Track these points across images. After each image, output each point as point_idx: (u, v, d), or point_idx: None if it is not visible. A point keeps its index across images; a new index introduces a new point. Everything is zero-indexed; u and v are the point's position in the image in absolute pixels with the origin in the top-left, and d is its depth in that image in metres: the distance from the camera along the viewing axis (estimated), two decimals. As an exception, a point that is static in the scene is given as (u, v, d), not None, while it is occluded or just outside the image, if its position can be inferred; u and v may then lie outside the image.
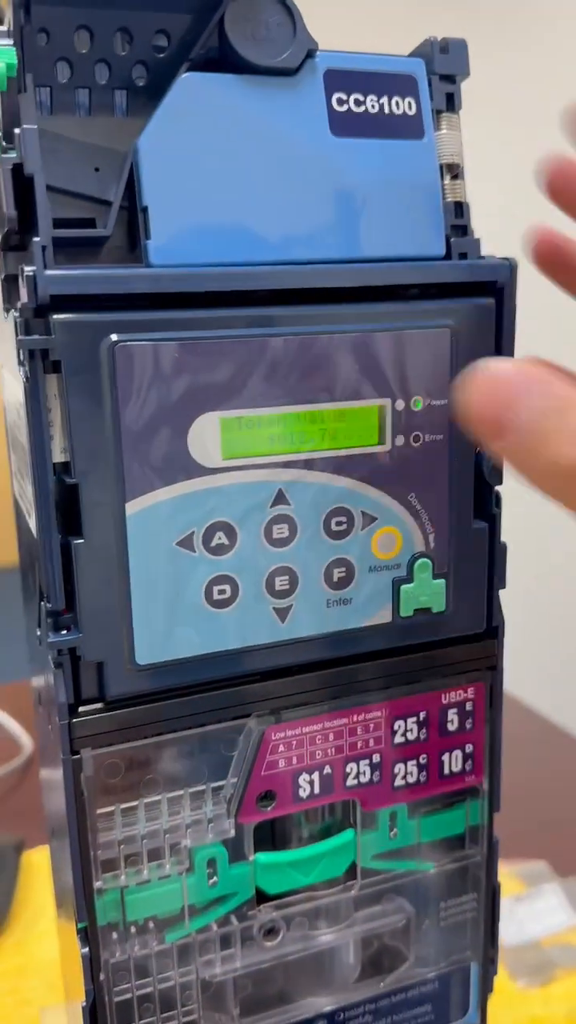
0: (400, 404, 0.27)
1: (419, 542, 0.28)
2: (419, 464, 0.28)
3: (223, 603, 0.26)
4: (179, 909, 0.28)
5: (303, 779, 0.29)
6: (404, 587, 0.28)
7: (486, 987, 0.34)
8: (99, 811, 0.27)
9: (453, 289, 0.27)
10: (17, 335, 0.23)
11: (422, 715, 0.30)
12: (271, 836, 0.30)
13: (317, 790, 0.29)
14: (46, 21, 0.24)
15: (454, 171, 0.28)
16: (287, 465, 0.26)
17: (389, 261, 0.27)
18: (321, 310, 0.26)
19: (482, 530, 0.29)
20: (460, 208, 0.28)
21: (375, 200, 0.27)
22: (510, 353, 0.28)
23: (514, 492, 0.28)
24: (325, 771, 0.29)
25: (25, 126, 0.23)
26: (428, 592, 0.28)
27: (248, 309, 0.25)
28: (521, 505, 0.38)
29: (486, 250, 0.28)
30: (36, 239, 0.23)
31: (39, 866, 0.58)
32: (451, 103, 0.28)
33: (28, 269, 0.23)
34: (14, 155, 0.23)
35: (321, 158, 0.26)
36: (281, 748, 0.28)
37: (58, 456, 0.25)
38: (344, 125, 0.26)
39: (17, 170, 0.23)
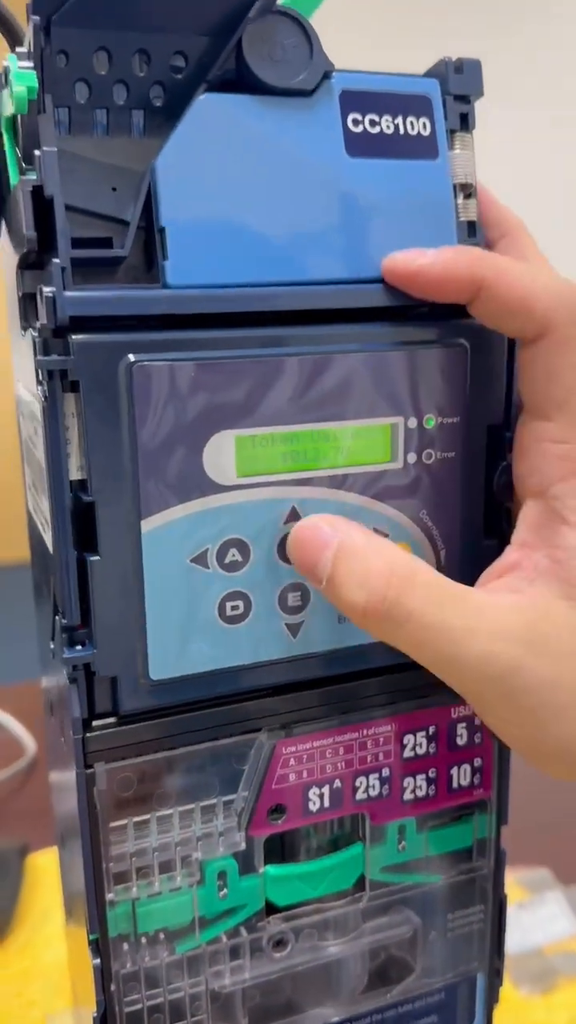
0: (413, 422, 0.27)
1: (430, 559, 0.28)
2: (431, 481, 0.28)
3: (236, 619, 0.27)
4: (189, 921, 0.29)
5: (313, 793, 0.29)
6: (415, 603, 0.28)
7: (492, 998, 0.34)
8: (112, 824, 0.27)
9: (466, 308, 0.27)
10: (36, 355, 0.24)
11: (431, 729, 0.30)
12: (280, 848, 0.30)
13: (327, 804, 0.29)
14: (66, 43, 0.24)
15: (467, 190, 0.28)
16: (300, 482, 0.27)
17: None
18: (336, 330, 0.26)
19: (492, 547, 0.29)
20: (472, 227, 0.28)
21: (390, 220, 0.27)
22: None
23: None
24: (335, 785, 0.29)
25: (45, 148, 0.23)
26: (439, 608, 0.29)
27: (264, 329, 0.25)
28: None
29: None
30: (56, 260, 0.23)
31: (43, 869, 0.58)
32: (465, 123, 0.28)
33: (47, 290, 0.23)
34: (34, 176, 0.23)
35: (336, 178, 0.26)
36: (292, 762, 0.28)
37: (75, 474, 0.25)
38: (359, 145, 0.26)
39: (37, 192, 0.23)
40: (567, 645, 0.24)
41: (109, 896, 0.27)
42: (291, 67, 0.26)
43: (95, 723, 0.26)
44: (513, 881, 0.57)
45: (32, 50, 0.24)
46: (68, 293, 0.23)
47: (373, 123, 0.27)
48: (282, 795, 0.29)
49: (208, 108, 0.25)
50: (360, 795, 0.30)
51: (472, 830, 0.32)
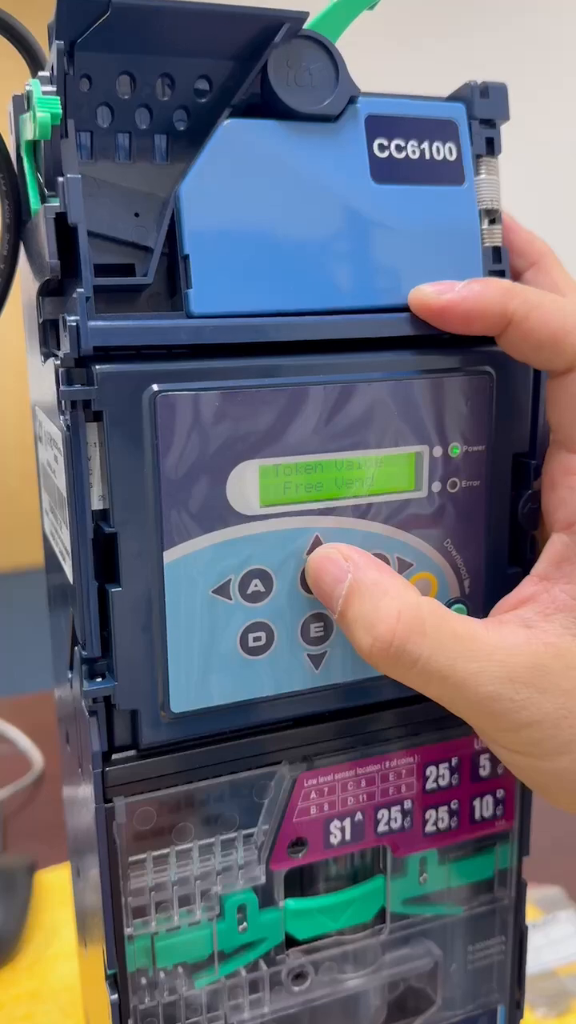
0: (438, 450, 0.27)
1: (454, 588, 0.28)
2: (455, 510, 0.28)
3: (258, 650, 0.26)
4: (208, 955, 0.28)
5: (334, 826, 0.28)
6: (439, 633, 0.28)
7: (512, 1030, 0.33)
8: (131, 858, 0.27)
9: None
10: (59, 386, 0.23)
11: (454, 761, 0.30)
12: (300, 880, 0.30)
13: (348, 837, 0.29)
14: (89, 67, 0.24)
15: (492, 216, 0.28)
16: (324, 512, 0.26)
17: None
18: (360, 358, 0.26)
19: (516, 575, 0.29)
20: (498, 253, 0.28)
21: (415, 247, 0.26)
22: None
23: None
24: (356, 818, 0.29)
25: (69, 175, 0.23)
26: (462, 638, 0.28)
27: (289, 358, 0.25)
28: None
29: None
30: (80, 290, 0.23)
31: (52, 887, 0.58)
32: (491, 147, 0.28)
33: (71, 319, 0.23)
34: (57, 203, 0.23)
35: (362, 205, 0.26)
36: (313, 795, 0.28)
37: (96, 504, 0.24)
38: (385, 171, 0.26)
39: (60, 219, 0.23)
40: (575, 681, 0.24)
41: (128, 931, 0.27)
42: (317, 92, 0.25)
43: (115, 756, 0.26)
44: (526, 900, 0.56)
45: (55, 74, 0.23)
46: (92, 323, 0.23)
47: (399, 148, 0.26)
48: (303, 828, 0.28)
49: (232, 133, 0.25)
50: (382, 828, 0.29)
51: (494, 861, 0.32)
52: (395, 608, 0.24)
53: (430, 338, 0.27)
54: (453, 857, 0.31)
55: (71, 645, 0.27)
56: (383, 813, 0.29)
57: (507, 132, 0.28)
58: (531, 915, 0.55)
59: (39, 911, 0.56)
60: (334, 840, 0.29)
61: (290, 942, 0.29)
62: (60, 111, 0.23)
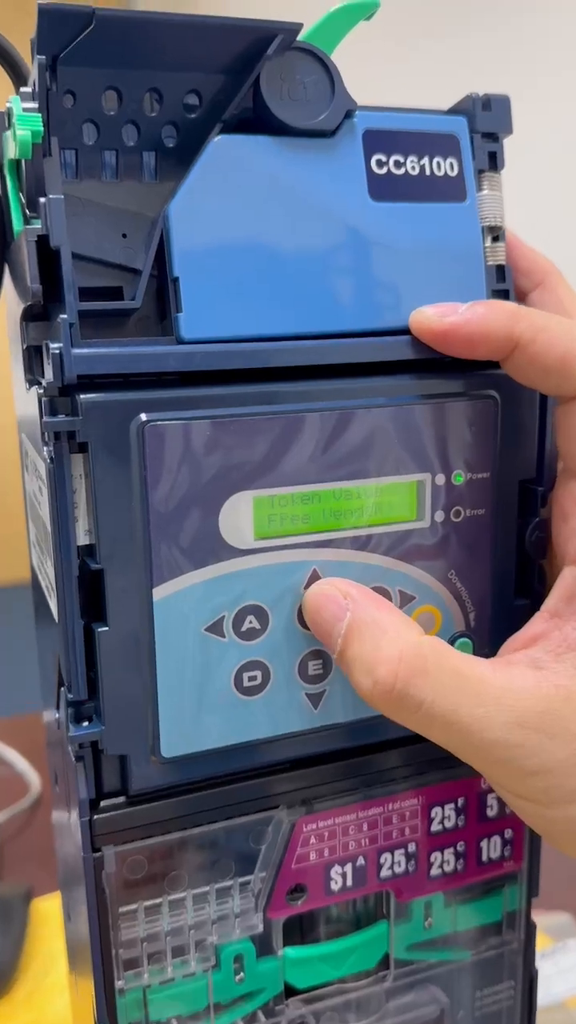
0: (440, 478, 0.26)
1: (459, 621, 0.27)
2: (460, 540, 0.26)
3: (254, 690, 0.25)
4: (204, 1007, 0.27)
5: (335, 872, 0.27)
6: (443, 669, 0.27)
7: (523, 1079, 0.32)
8: (121, 909, 0.25)
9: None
10: (42, 416, 0.22)
11: (460, 801, 0.28)
12: (299, 927, 0.29)
13: (350, 883, 0.27)
14: (73, 83, 0.23)
15: (495, 233, 0.27)
16: (322, 544, 0.25)
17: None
18: (359, 383, 0.25)
19: (524, 607, 0.28)
20: (502, 272, 0.27)
21: (416, 267, 0.25)
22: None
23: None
24: (358, 863, 0.27)
25: (51, 196, 0.22)
26: (468, 674, 0.27)
27: (284, 384, 0.24)
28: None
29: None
30: (63, 316, 0.22)
31: (49, 914, 0.56)
32: (494, 162, 0.27)
33: (54, 347, 0.22)
34: (39, 225, 0.22)
35: (359, 224, 0.25)
36: (312, 840, 0.27)
37: (82, 539, 0.23)
38: (384, 189, 0.25)
39: (42, 241, 0.22)
40: None
41: (119, 984, 0.26)
42: (311, 106, 0.24)
43: (103, 803, 0.25)
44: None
45: (37, 90, 0.22)
46: (76, 350, 0.22)
47: (398, 164, 0.25)
48: (302, 875, 0.27)
49: (224, 150, 0.24)
50: (385, 872, 0.28)
51: (502, 903, 0.30)
52: (396, 648, 0.23)
53: (431, 362, 0.25)
54: (459, 900, 0.30)
55: (57, 685, 0.26)
56: (386, 857, 0.28)
57: (509, 142, 0.27)
58: (540, 943, 0.54)
59: (36, 940, 0.55)
60: (335, 886, 0.27)
61: (290, 991, 0.28)
62: (42, 129, 0.22)
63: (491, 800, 0.29)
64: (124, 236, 0.24)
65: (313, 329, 0.24)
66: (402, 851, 0.28)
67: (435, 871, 0.29)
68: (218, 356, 0.23)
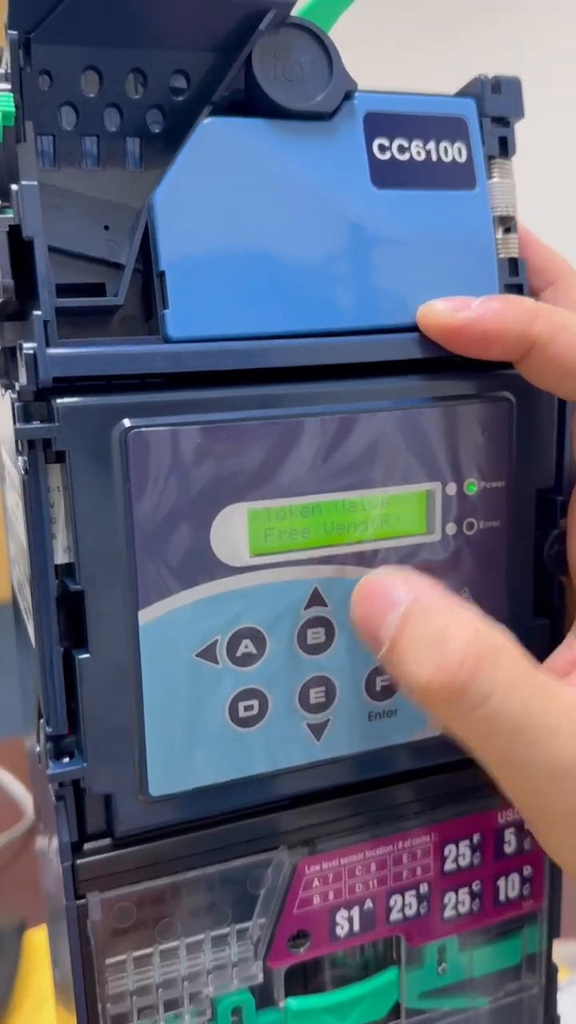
0: (452, 488, 0.24)
1: (472, 643, 0.25)
2: (473, 555, 0.24)
3: (250, 721, 0.23)
4: (199, 1065, 0.25)
5: (341, 916, 0.25)
6: (456, 695, 0.24)
7: None
8: (108, 960, 0.23)
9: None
10: (15, 423, 0.20)
11: (475, 838, 0.26)
12: (303, 975, 0.26)
13: (357, 928, 0.25)
14: (49, 62, 0.21)
15: (507, 224, 0.25)
16: (323, 560, 0.23)
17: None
18: (362, 385, 0.23)
19: (543, 627, 0.26)
20: (515, 265, 0.25)
21: (421, 260, 0.23)
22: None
23: None
24: (366, 906, 0.25)
25: (24, 183, 0.20)
26: (483, 700, 0.25)
27: (280, 386, 0.22)
28: None
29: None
30: (36, 313, 0.20)
31: (43, 946, 0.54)
32: (504, 148, 0.25)
33: (28, 347, 0.20)
34: (11, 215, 0.20)
35: (361, 213, 0.23)
36: (316, 883, 0.24)
37: (60, 557, 0.21)
38: (387, 175, 0.23)
39: (14, 232, 0.20)
40: None
41: (106, 1042, 0.24)
42: (308, 87, 0.22)
43: (87, 846, 0.22)
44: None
45: (9, 70, 0.21)
46: (51, 351, 0.20)
47: (402, 149, 0.23)
48: (305, 920, 0.25)
49: (213, 134, 0.22)
50: (395, 915, 0.26)
51: (521, 945, 0.28)
52: (469, 629, 0.20)
53: (441, 361, 0.23)
54: (475, 943, 0.27)
55: (36, 716, 0.24)
56: (396, 899, 0.26)
57: (520, 132, 0.25)
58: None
59: (29, 973, 0.53)
60: (341, 932, 0.25)
61: (293, 1045, 0.26)
62: (13, 110, 0.20)
63: (508, 836, 0.27)
64: (106, 228, 0.22)
65: (311, 327, 0.22)
66: (413, 892, 0.26)
67: (449, 913, 0.26)
68: (208, 356, 0.21)
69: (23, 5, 0.20)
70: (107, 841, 0.23)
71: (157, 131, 0.23)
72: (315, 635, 0.23)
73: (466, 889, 0.27)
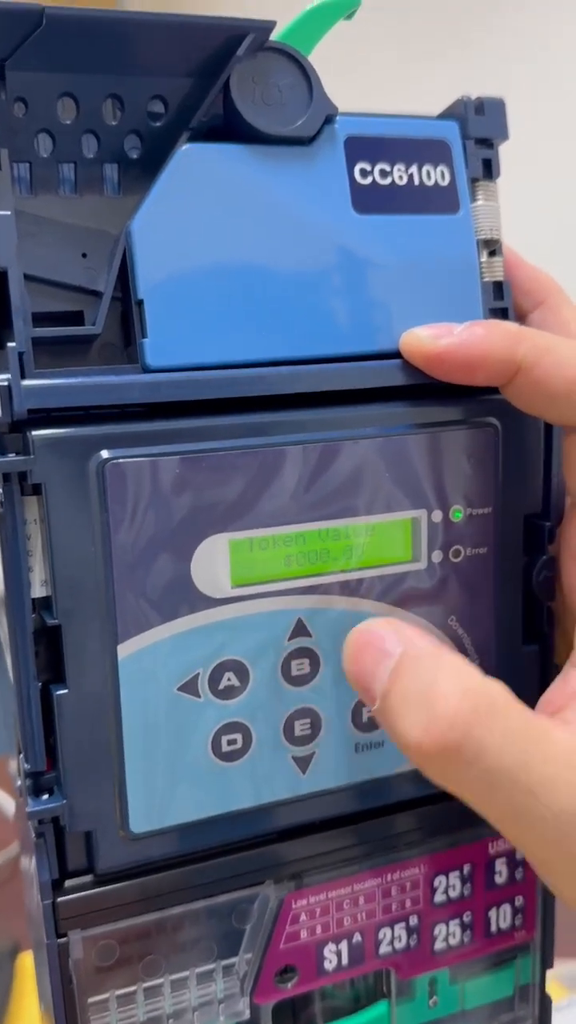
0: (437, 515, 0.23)
1: (460, 671, 0.24)
2: (460, 583, 0.24)
3: (233, 755, 0.22)
4: None
5: (329, 950, 0.25)
6: (444, 725, 0.24)
7: None
8: (91, 1000, 0.23)
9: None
10: (-12, 456, 0.20)
11: (466, 868, 0.26)
12: (291, 1010, 0.26)
13: (345, 962, 0.25)
14: (24, 89, 0.21)
15: (492, 247, 0.25)
16: (307, 590, 0.23)
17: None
18: (345, 412, 0.22)
19: (533, 654, 0.25)
20: (500, 289, 0.25)
21: (405, 285, 0.23)
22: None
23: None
24: (354, 939, 0.25)
25: (-1, 212, 0.20)
26: (471, 729, 0.24)
27: (261, 414, 0.22)
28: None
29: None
30: (10, 344, 0.19)
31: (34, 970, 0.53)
32: (488, 170, 0.25)
33: (2, 378, 0.20)
34: (-15, 244, 0.20)
35: (342, 239, 0.23)
36: (303, 917, 0.24)
37: (38, 590, 0.21)
38: (368, 200, 0.23)
39: (-11, 262, 0.20)
40: None
41: None
42: (287, 111, 0.22)
43: (68, 883, 0.22)
44: (548, 976, 0.52)
45: (-16, 98, 0.20)
46: (26, 382, 0.20)
47: (384, 173, 0.23)
48: (292, 955, 0.24)
49: (191, 159, 0.22)
50: (384, 948, 0.25)
51: (514, 976, 0.28)
52: (459, 684, 0.19)
53: (425, 387, 0.23)
54: (467, 975, 0.27)
55: (17, 749, 0.23)
56: (385, 932, 0.25)
57: (508, 152, 0.25)
58: (555, 994, 0.51)
59: (22, 997, 0.52)
60: (329, 966, 0.25)
61: None
62: (-13, 138, 0.20)
63: (500, 866, 0.26)
64: (84, 256, 0.22)
65: (293, 354, 0.22)
66: (403, 925, 0.25)
67: (439, 945, 0.26)
68: (188, 385, 0.21)
69: (-4, 32, 0.20)
70: (89, 878, 0.22)
71: (135, 157, 0.22)
72: (299, 666, 0.23)
73: (457, 921, 0.26)
